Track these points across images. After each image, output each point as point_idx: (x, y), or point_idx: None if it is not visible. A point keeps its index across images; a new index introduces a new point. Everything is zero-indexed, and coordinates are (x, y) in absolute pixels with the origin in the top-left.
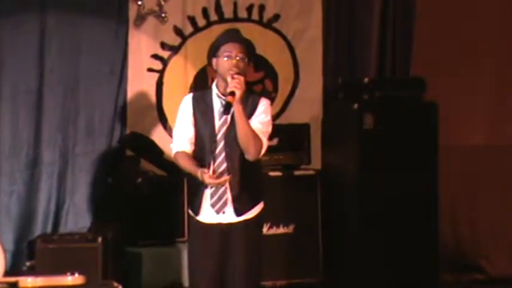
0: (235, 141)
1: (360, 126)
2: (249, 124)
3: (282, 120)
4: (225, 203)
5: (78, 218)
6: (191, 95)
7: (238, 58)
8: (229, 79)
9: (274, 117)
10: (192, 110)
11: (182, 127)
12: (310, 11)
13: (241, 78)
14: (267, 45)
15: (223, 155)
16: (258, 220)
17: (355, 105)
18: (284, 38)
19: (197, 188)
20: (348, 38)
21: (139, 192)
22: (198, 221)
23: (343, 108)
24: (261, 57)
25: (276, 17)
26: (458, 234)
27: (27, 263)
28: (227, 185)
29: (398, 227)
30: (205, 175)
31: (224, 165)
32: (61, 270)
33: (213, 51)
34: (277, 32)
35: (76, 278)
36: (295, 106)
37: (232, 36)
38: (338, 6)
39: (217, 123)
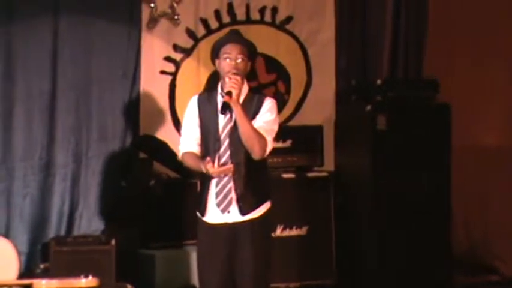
0: (239, 140)
1: (372, 128)
2: (250, 123)
3: (295, 122)
4: (230, 202)
5: (91, 221)
6: (197, 96)
7: (238, 59)
8: (227, 80)
9: (287, 119)
10: (197, 110)
11: (188, 129)
12: (323, 12)
13: (238, 78)
14: (280, 47)
15: (228, 153)
16: (264, 220)
17: (368, 107)
18: (297, 39)
19: (203, 188)
20: (360, 40)
21: (153, 194)
22: (204, 221)
23: (356, 109)
24: (274, 59)
25: (289, 18)
26: (471, 235)
27: (41, 266)
28: (232, 184)
29: (411, 228)
30: (208, 165)
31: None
32: (75, 273)
33: (215, 52)
34: (290, 33)
35: (90, 281)
36: (308, 108)
37: (233, 37)
38: (350, 7)
39: (221, 122)
